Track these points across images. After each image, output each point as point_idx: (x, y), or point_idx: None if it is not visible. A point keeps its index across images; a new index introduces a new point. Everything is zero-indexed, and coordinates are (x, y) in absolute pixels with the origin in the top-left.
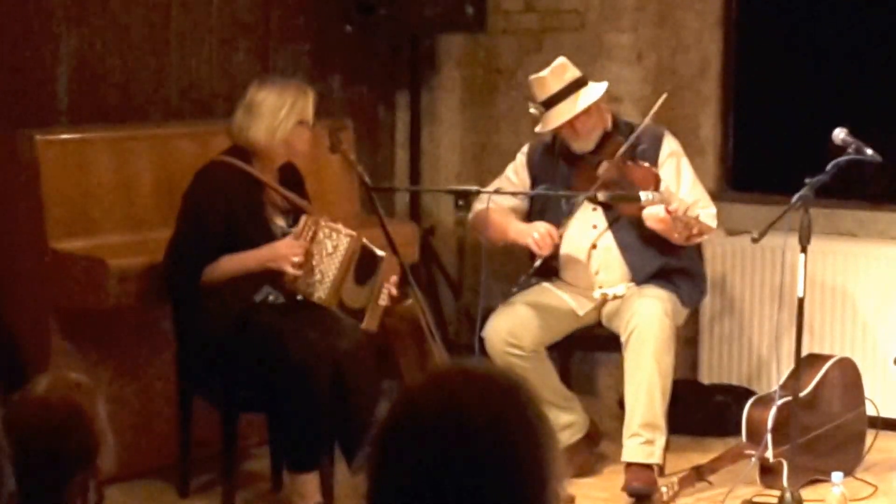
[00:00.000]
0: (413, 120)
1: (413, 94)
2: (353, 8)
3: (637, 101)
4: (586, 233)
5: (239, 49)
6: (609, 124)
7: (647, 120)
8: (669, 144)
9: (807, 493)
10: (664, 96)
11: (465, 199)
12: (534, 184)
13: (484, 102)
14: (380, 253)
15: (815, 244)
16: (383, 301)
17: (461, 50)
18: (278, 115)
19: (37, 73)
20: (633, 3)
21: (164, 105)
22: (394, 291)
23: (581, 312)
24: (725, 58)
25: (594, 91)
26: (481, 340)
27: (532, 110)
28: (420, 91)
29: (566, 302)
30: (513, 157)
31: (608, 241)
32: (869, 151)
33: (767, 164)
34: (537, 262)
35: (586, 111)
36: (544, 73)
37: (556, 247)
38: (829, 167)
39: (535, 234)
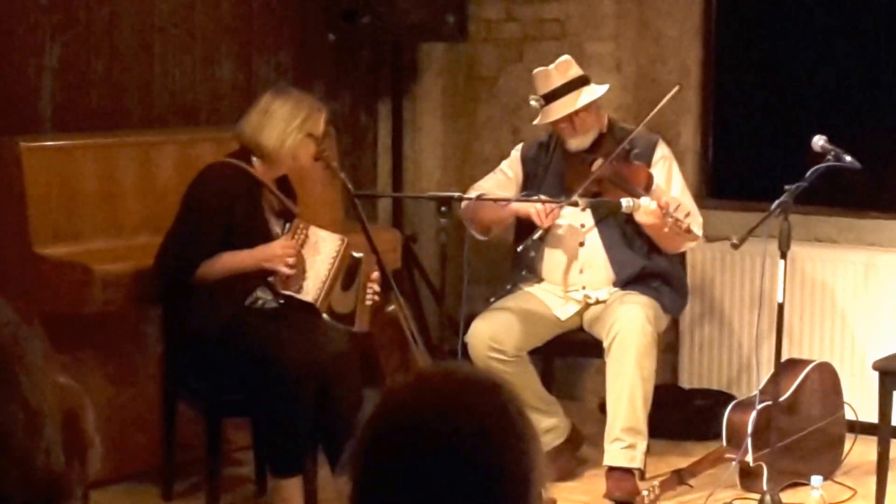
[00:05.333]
0: (395, 127)
1: (395, 102)
2: (337, 17)
3: (617, 109)
4: (574, 231)
5: (223, 57)
6: (605, 127)
7: (655, 112)
8: (662, 151)
9: (786, 496)
10: (676, 88)
11: (447, 206)
12: (526, 180)
13: (465, 110)
14: (357, 254)
15: (795, 250)
16: (369, 301)
17: (443, 58)
18: (291, 123)
19: (21, 79)
20: (614, 12)
21: (148, 112)
22: (376, 288)
23: (563, 317)
24: (705, 66)
25: (596, 90)
26: (464, 345)
27: (533, 103)
28: (402, 99)
29: (548, 307)
30: (494, 164)
31: (595, 239)
32: (848, 158)
33: (747, 171)
34: (537, 234)
35: (586, 108)
36: (549, 67)
37: (549, 229)
38: (808, 174)
39: (539, 205)
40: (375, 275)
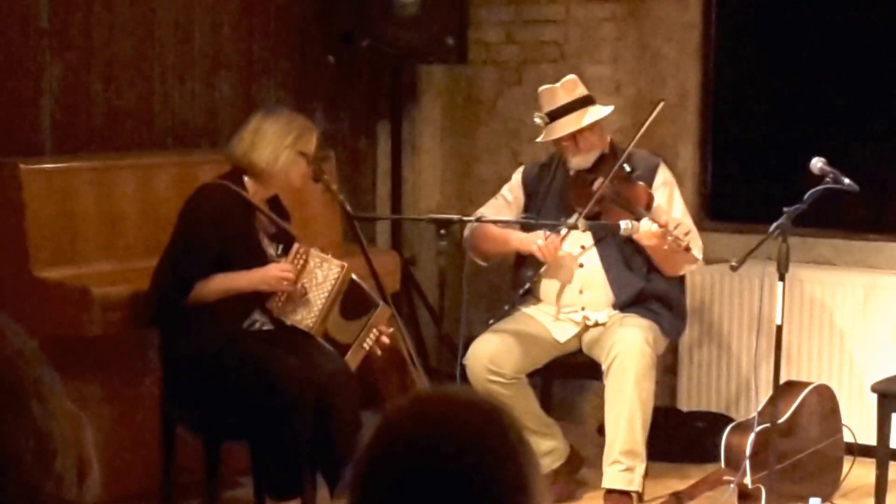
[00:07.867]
0: (394, 149)
1: (394, 124)
2: (335, 39)
3: (616, 132)
4: (574, 251)
5: (222, 79)
6: (608, 148)
7: (644, 129)
8: (664, 174)
9: None
10: (661, 104)
11: (446, 228)
12: (528, 202)
13: (464, 132)
14: (378, 301)
15: (793, 272)
16: (367, 345)
17: (442, 80)
18: (283, 141)
19: (21, 102)
20: (613, 35)
21: (147, 135)
22: (385, 340)
23: (562, 340)
24: (703, 88)
25: (601, 110)
26: (462, 368)
27: (537, 120)
28: (401, 121)
29: (547, 329)
30: (493, 186)
31: (594, 260)
32: (846, 180)
33: (746, 193)
34: (542, 269)
35: (590, 128)
36: (556, 85)
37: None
38: (806, 196)
39: (540, 241)
40: (384, 328)
